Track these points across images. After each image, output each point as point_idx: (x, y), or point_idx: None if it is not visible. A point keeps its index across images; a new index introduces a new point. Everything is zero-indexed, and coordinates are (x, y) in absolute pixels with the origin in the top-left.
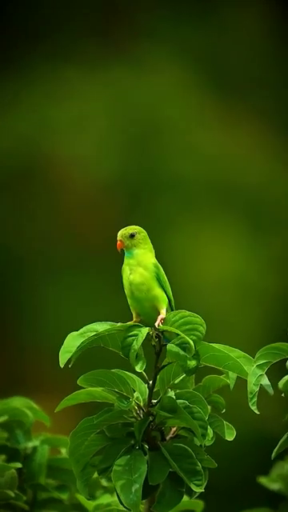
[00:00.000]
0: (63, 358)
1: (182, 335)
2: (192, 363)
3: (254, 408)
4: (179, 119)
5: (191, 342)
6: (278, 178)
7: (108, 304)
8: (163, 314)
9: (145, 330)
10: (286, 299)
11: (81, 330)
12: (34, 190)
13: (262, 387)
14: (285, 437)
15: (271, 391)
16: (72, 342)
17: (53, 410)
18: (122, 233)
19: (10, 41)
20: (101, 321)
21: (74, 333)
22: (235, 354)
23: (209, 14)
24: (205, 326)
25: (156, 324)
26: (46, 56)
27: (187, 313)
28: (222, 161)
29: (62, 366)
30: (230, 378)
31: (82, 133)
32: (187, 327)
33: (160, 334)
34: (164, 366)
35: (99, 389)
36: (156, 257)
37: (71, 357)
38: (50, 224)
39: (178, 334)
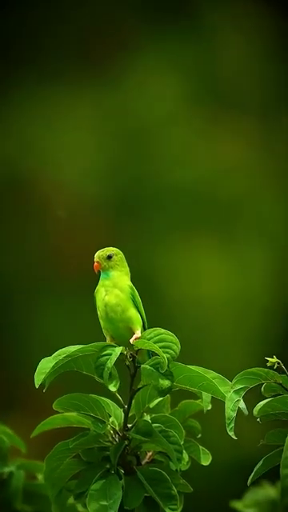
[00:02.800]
0: (38, 379)
1: (157, 350)
2: (165, 383)
3: (231, 433)
4: (166, 135)
5: (165, 358)
6: (265, 192)
7: (97, 327)
8: (138, 334)
9: (118, 349)
10: (275, 313)
11: (55, 354)
12: (21, 211)
13: (238, 410)
14: (260, 463)
15: (246, 412)
16: (46, 364)
17: (29, 436)
18: (99, 254)
19: None
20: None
21: (48, 357)
22: (210, 375)
23: (195, 28)
24: (179, 345)
25: (131, 341)
26: (31, 77)
27: (162, 330)
28: (211, 175)
29: (37, 386)
30: (204, 400)
31: (69, 153)
32: (162, 344)
33: (134, 354)
34: (139, 389)
35: (74, 413)
36: (145, 274)
37: (45, 380)
38: (37, 245)
39: (150, 357)
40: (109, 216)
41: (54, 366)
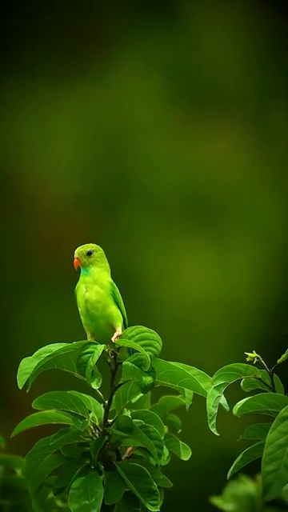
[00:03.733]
0: (21, 381)
1: (140, 349)
2: (148, 379)
3: (213, 430)
4: (149, 132)
5: (147, 356)
6: (249, 189)
7: (80, 323)
8: (119, 331)
9: (100, 347)
10: (261, 311)
11: (36, 353)
12: (4, 207)
13: (219, 405)
14: (240, 457)
15: (227, 408)
16: (28, 364)
17: (8, 431)
18: (78, 250)
19: None
20: (67, 340)
21: (29, 357)
22: (192, 371)
23: (177, 26)
24: (161, 342)
25: (112, 339)
26: (12, 72)
27: (144, 328)
28: (193, 172)
29: (20, 387)
30: (186, 397)
31: (51, 148)
32: (143, 342)
33: (115, 352)
34: (120, 385)
35: (53, 411)
36: (129, 271)
37: (28, 380)
38: (20, 242)
39: (131, 354)
40: (92, 212)
41: (36, 366)
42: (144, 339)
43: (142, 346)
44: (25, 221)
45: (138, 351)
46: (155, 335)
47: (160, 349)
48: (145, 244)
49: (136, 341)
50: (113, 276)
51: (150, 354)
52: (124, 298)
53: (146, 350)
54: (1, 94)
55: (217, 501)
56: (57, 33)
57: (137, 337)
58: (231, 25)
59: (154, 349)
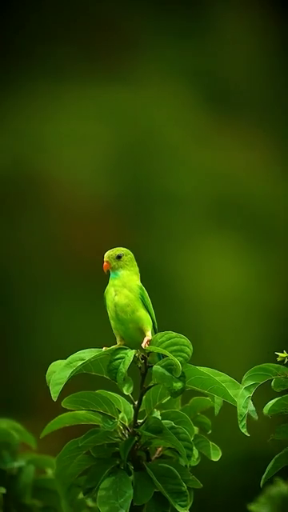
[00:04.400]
0: (55, 391)
1: (170, 356)
2: (178, 385)
3: (244, 431)
4: (175, 136)
5: (178, 363)
6: (275, 193)
7: (107, 326)
8: (149, 336)
9: (131, 353)
10: (286, 313)
11: (67, 360)
12: (30, 210)
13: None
14: (271, 463)
15: (255, 417)
16: (62, 374)
17: (39, 432)
18: (108, 254)
19: (3, 60)
20: (94, 346)
21: (61, 362)
22: (221, 377)
23: (204, 30)
24: (191, 347)
25: (142, 345)
26: (39, 75)
27: (174, 334)
28: (220, 176)
29: (54, 399)
30: (216, 402)
31: (77, 151)
32: (174, 348)
33: (146, 356)
34: (150, 387)
35: (83, 411)
36: (158, 273)
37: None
38: (47, 244)
39: (161, 357)
40: (119, 215)
41: (69, 376)
42: (174, 345)
43: (173, 351)
44: (53, 224)
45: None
46: (185, 340)
47: (190, 354)
48: (172, 249)
49: (166, 346)
50: (143, 279)
51: (181, 359)
52: (155, 300)
53: (177, 356)
54: (29, 97)
55: (253, 507)
56: (82, 36)
57: (167, 342)
58: (261, 30)
59: (184, 354)
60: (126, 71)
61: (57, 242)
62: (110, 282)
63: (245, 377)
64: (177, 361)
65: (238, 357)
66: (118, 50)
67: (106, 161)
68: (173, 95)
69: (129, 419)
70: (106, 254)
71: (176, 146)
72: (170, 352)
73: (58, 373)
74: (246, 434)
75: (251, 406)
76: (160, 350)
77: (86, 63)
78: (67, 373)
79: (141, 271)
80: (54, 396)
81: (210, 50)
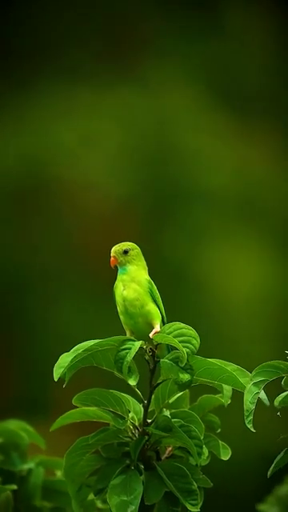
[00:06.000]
0: (57, 373)
1: (176, 343)
2: (185, 377)
3: (249, 426)
4: (190, 136)
5: (184, 351)
6: None
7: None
8: (157, 328)
9: (138, 343)
10: None
11: (73, 348)
12: (45, 210)
13: (257, 405)
14: (281, 455)
15: (267, 402)
16: (65, 359)
17: (48, 434)
18: (115, 249)
19: (18, 60)
20: None
21: (67, 352)
22: (230, 367)
23: (219, 31)
24: (198, 339)
25: (150, 335)
26: (55, 76)
27: (182, 325)
28: (241, 176)
29: (55, 379)
30: (225, 393)
31: (93, 152)
32: (181, 339)
33: (154, 349)
34: (159, 384)
35: (94, 408)
36: (180, 272)
37: (65, 374)
38: (63, 244)
39: (169, 351)
40: (138, 215)
41: (72, 360)
42: (181, 335)
43: (181, 342)
44: (65, 226)
45: (176, 349)
46: (193, 332)
47: (197, 346)
48: (192, 244)
49: (173, 337)
50: (159, 277)
51: (188, 350)
52: (178, 299)
53: (184, 347)
54: (44, 98)
55: (262, 507)
56: (98, 38)
57: (174, 333)
58: (277, 31)
59: (191, 345)
60: (141, 72)
61: (73, 242)
62: (119, 277)
63: (254, 372)
64: (182, 348)
65: (261, 355)
66: (133, 51)
67: (121, 161)
68: (187, 96)
69: (138, 419)
70: (112, 250)
71: (192, 146)
72: (178, 342)
73: (63, 358)
74: (252, 429)
75: (263, 395)
76: (167, 338)
77: (101, 64)
78: (70, 358)
79: (158, 270)
80: (56, 377)
81: (224, 51)
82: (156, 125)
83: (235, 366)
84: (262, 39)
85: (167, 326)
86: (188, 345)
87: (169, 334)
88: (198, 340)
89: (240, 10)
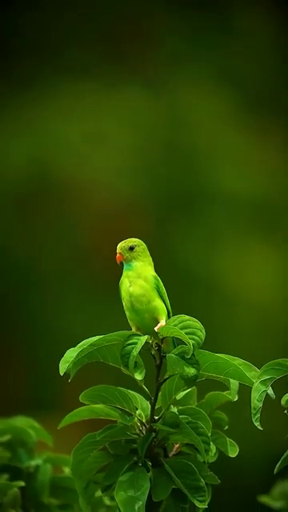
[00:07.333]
0: (62, 368)
1: (182, 334)
2: (191, 371)
3: (257, 424)
4: (201, 136)
5: (189, 342)
6: None
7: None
8: (163, 322)
9: (144, 338)
10: None
11: (80, 344)
12: (50, 210)
13: (265, 402)
14: (287, 452)
15: (273, 396)
16: (70, 354)
17: (56, 431)
18: (121, 245)
19: (25, 59)
20: None
21: (74, 347)
22: (236, 361)
23: (228, 30)
24: (204, 331)
25: (155, 328)
26: (62, 75)
27: (187, 317)
28: (253, 177)
29: (61, 373)
30: (232, 388)
31: (98, 152)
32: (187, 331)
33: (160, 344)
34: (165, 380)
35: (101, 405)
36: (190, 273)
37: (70, 369)
38: (70, 245)
39: (175, 346)
40: (142, 216)
41: (78, 355)
42: (187, 327)
43: (186, 334)
44: (72, 226)
45: (183, 343)
46: (198, 324)
47: (203, 338)
48: (203, 245)
49: (179, 329)
50: (171, 277)
51: (193, 342)
52: (182, 298)
53: (190, 338)
54: (52, 97)
55: (265, 499)
56: (106, 37)
57: (180, 325)
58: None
59: (196, 337)
60: (149, 71)
61: (80, 243)
62: (124, 273)
63: (261, 370)
64: (188, 339)
65: (271, 357)
66: (140, 50)
67: (128, 161)
68: (196, 95)
69: (146, 416)
70: (118, 246)
71: (204, 146)
72: (183, 334)
73: (69, 353)
74: (259, 427)
75: (270, 390)
76: (172, 329)
77: (109, 64)
78: (76, 352)
79: (167, 271)
80: (61, 371)
81: (233, 50)
82: (164, 125)
83: (241, 361)
84: (273, 38)
85: (172, 318)
86: (194, 336)
87: (174, 326)
88: (204, 332)
89: (249, 10)
